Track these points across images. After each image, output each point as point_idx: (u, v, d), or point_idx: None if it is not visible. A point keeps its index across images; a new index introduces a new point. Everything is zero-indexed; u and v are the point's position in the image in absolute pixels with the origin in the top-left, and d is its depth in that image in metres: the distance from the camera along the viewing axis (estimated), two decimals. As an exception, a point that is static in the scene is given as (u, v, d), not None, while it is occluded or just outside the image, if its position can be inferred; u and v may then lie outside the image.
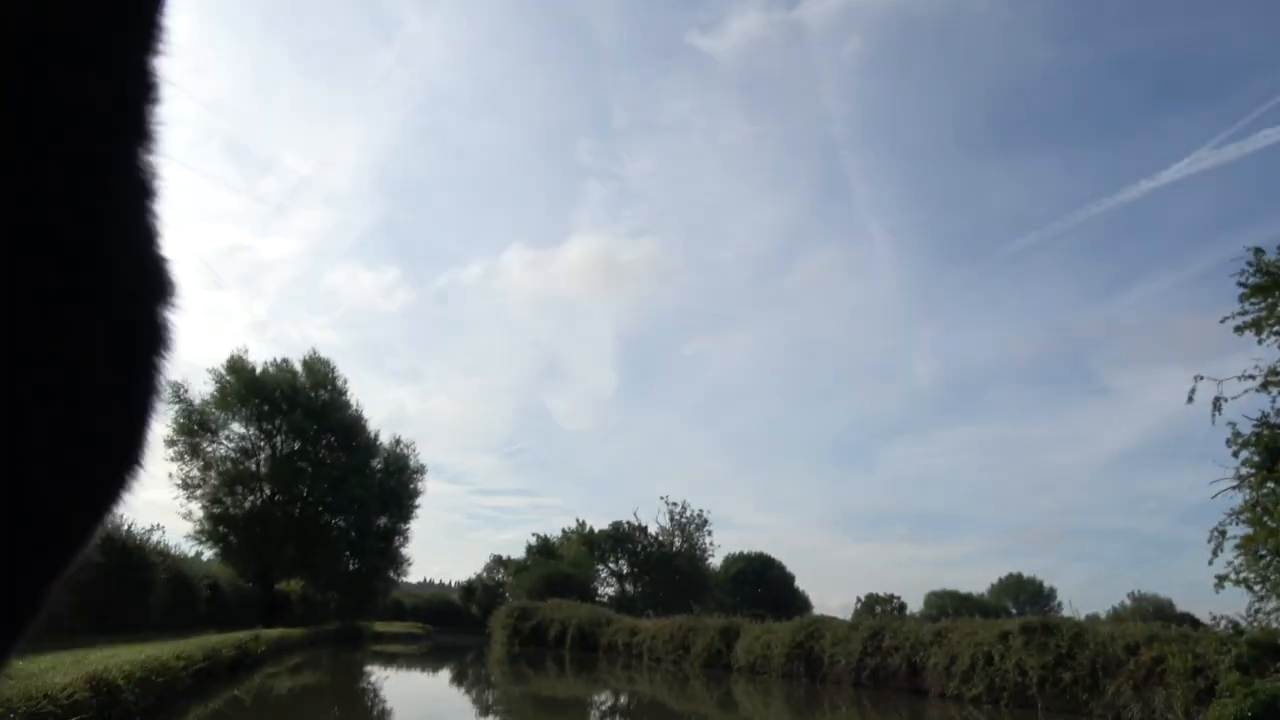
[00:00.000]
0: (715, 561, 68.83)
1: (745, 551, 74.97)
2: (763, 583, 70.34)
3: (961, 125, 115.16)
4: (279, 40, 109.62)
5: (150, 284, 0.65)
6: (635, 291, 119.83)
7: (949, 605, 63.03)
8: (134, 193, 0.63)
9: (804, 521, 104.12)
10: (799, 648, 24.30)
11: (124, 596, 17.67)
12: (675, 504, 67.27)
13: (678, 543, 66.11)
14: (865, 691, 19.96)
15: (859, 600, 71.20)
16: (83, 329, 0.56)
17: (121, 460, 0.61)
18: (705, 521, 67.01)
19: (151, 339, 0.64)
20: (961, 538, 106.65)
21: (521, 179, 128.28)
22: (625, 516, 68.88)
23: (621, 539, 67.39)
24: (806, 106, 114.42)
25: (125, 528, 18.88)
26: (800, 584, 75.74)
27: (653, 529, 67.36)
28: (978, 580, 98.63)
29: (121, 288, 0.61)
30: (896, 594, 77.13)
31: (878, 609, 59.52)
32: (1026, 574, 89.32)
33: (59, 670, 7.58)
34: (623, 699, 17.97)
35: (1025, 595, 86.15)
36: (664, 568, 63.75)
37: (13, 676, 6.70)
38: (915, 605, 79.47)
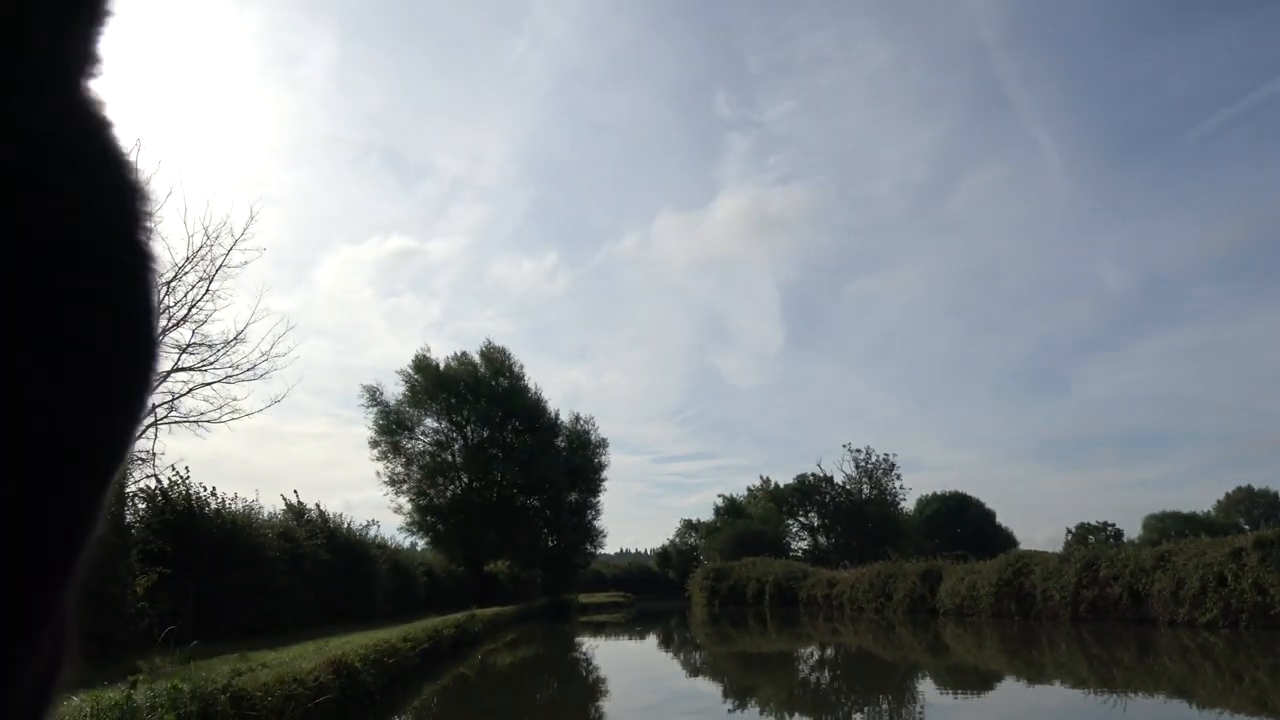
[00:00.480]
0: (908, 505, 67.14)
1: (939, 492, 72.71)
2: (960, 522, 67.94)
3: (1123, 5, 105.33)
4: (416, 48, 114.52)
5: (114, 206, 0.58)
6: (790, 240, 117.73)
7: (1170, 527, 58.86)
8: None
9: (998, 455, 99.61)
10: (1007, 585, 23.37)
11: (353, 589, 19.20)
12: (859, 451, 66.00)
13: (866, 490, 64.86)
14: (1084, 625, 18.95)
15: (1069, 531, 67.42)
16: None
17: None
18: (893, 465, 65.38)
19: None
20: (1176, 454, 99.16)
21: (662, 143, 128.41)
22: (809, 469, 68.30)
23: (808, 491, 66.86)
24: (949, 14, 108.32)
25: (346, 525, 20.44)
26: (1001, 520, 72.68)
27: (839, 478, 66.47)
28: (1200, 499, 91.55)
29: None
30: (1110, 521, 72.86)
31: (1090, 538, 56.16)
32: (1257, 485, 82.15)
33: (305, 657, 8.33)
34: (829, 651, 17.89)
35: (1259, 509, 79.07)
36: (855, 516, 62.77)
37: (268, 665, 7.42)
38: (1132, 531, 74.79)
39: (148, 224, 0.59)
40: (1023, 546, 35.98)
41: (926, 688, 11.26)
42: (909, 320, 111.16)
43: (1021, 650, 15.69)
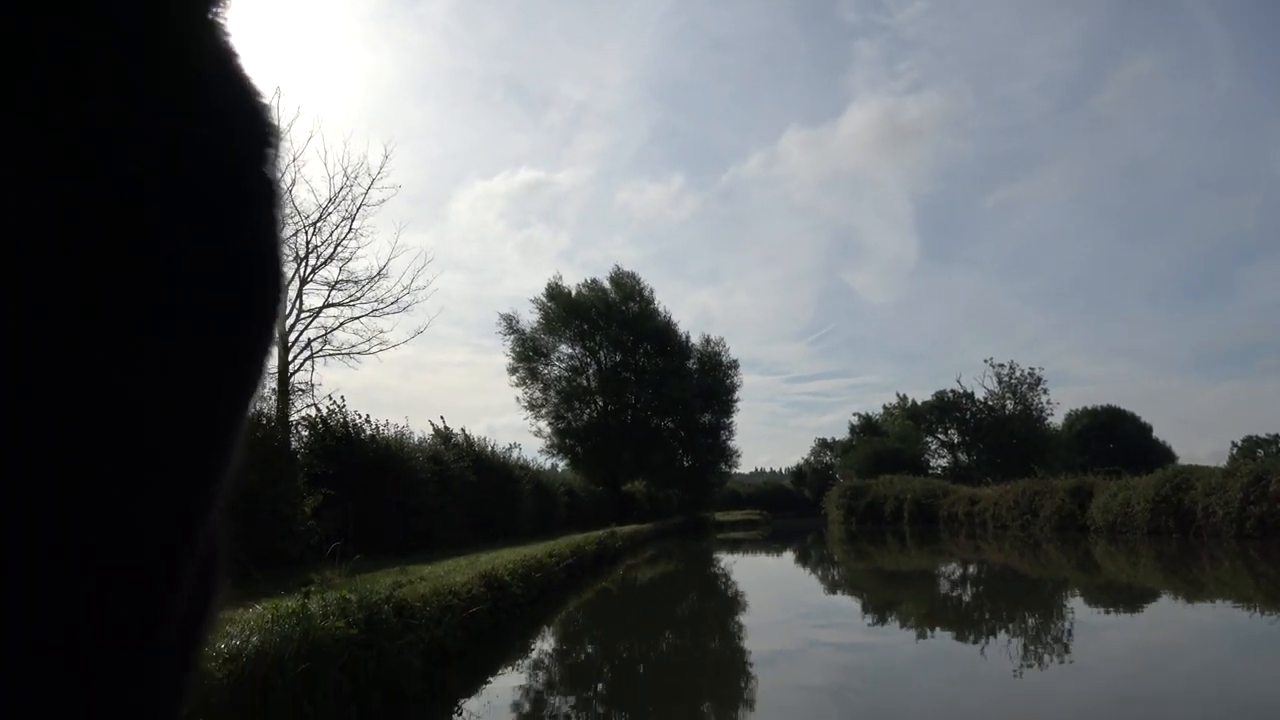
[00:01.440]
0: (1055, 421, 64.32)
1: (1089, 406, 69.17)
2: (1113, 437, 64.61)
3: None
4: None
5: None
6: (924, 149, 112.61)
7: (1355, 440, 54.34)
8: None
9: (1154, 366, 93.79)
10: (1164, 502, 22.22)
11: (498, 508, 20.12)
12: (1001, 365, 63.51)
13: (1010, 405, 62.55)
14: (1251, 543, 17.87)
15: (1234, 445, 63.13)
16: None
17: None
18: (1039, 380, 62.66)
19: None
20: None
21: (785, 57, 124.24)
22: (948, 385, 66.41)
23: (947, 408, 65.09)
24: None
25: (490, 448, 21.33)
26: (1158, 434, 68.65)
27: (980, 394, 64.33)
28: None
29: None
30: (1281, 434, 67.75)
31: (1259, 452, 52.54)
32: None
33: (457, 571, 8.83)
34: (971, 568, 17.59)
35: None
36: (998, 433, 60.76)
37: (424, 578, 7.92)
38: (1308, 445, 69.26)
39: (273, 152, 0.62)
40: (1181, 462, 33.99)
41: (1076, 604, 10.95)
42: (1055, 226, 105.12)
43: (1180, 568, 14.99)
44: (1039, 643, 7.97)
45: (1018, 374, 62.98)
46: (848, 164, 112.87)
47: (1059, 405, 73.61)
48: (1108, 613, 10.25)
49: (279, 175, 0.62)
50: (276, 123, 0.62)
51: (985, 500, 33.66)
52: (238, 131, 0.58)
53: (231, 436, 0.60)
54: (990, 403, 63.45)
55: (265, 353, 0.63)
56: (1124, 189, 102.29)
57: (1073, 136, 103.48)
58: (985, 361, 72.55)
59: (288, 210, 0.62)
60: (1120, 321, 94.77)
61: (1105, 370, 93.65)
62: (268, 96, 0.65)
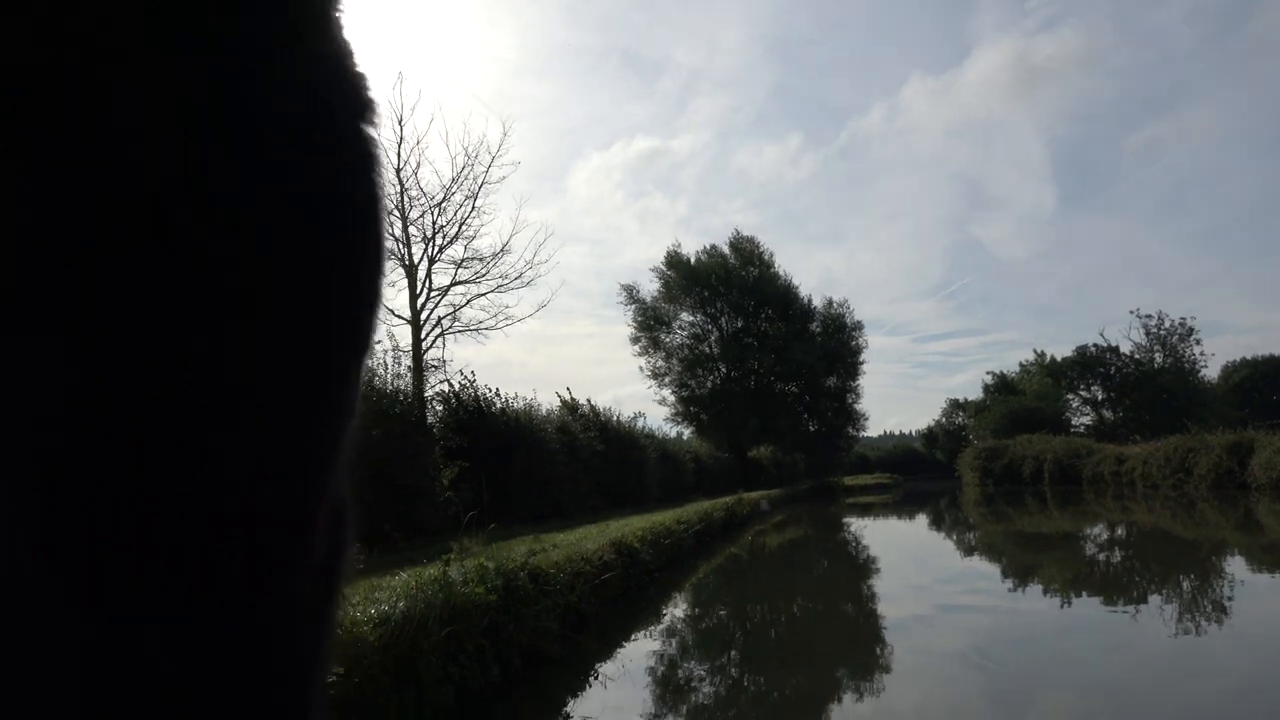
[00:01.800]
0: (1209, 373, 60.30)
1: (1249, 356, 64.43)
2: (1276, 389, 60.04)
3: None
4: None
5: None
6: (1059, 91, 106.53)
7: None
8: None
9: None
10: (1339, 457, 20.57)
11: (626, 476, 20.45)
12: (1149, 316, 59.87)
13: (1159, 359, 58.96)
14: None
15: None
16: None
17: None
18: (1191, 330, 58.79)
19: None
20: None
21: (906, 3, 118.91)
22: (1089, 340, 63.15)
23: (1089, 364, 61.90)
24: None
25: (616, 418, 21.65)
26: (1331, 385, 63.30)
27: (1125, 348, 60.93)
28: None
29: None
30: None
31: None
32: None
33: (588, 539, 9.04)
34: (1120, 530, 16.76)
35: None
36: (1146, 387, 57.40)
37: (558, 545, 8.15)
38: None
39: (371, 125, 0.65)
40: (1360, 412, 31.30)
41: (1236, 566, 10.29)
42: (1207, 164, 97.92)
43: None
44: (1197, 608, 7.54)
45: (1167, 325, 59.30)
46: (975, 111, 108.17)
47: (1213, 357, 69.13)
48: (1275, 575, 9.60)
49: (379, 146, 0.67)
50: (376, 101, 0.67)
51: (1133, 459, 31.97)
52: (339, 107, 0.63)
53: (348, 388, 0.63)
54: (1137, 356, 60.00)
55: (372, 308, 0.66)
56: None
57: (1226, 67, 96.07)
58: (1131, 313, 68.61)
59: (398, 184, 0.67)
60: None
61: (1268, 317, 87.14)
62: (390, 82, 0.69)
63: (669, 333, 43.53)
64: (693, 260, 43.45)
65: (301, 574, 0.61)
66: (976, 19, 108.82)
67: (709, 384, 43.19)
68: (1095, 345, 62.20)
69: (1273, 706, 4.41)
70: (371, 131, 0.65)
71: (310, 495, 0.61)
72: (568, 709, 4.94)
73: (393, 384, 11.15)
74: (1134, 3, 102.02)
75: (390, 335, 14.77)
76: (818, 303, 47.44)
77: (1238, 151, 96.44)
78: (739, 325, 43.38)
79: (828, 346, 45.67)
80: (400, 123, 17.20)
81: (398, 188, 17.13)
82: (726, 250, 44.19)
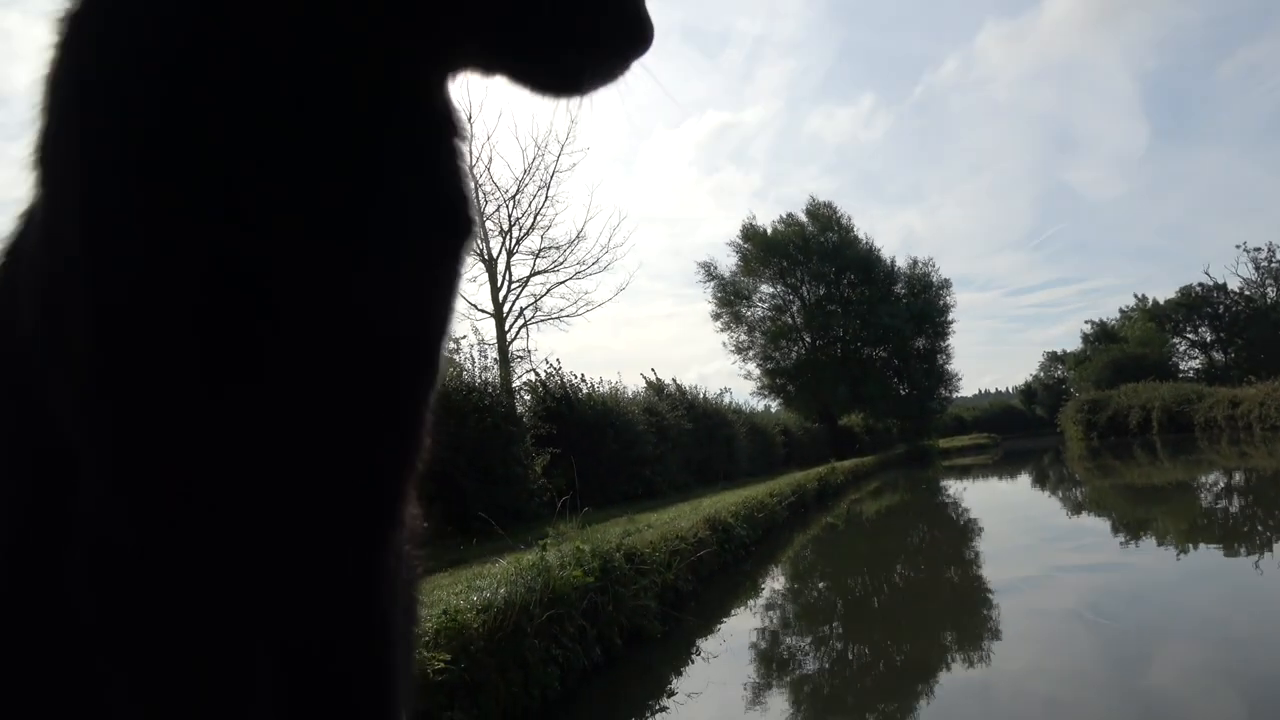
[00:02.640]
0: (1328, 305, 56.83)
1: (1371, 284, 60.39)
2: (1405, 316, 56.19)
3: None
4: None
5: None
6: (1143, 20, 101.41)
7: None
8: None
9: None
10: None
11: (715, 452, 20.44)
12: (1259, 249, 56.65)
13: (1271, 294, 55.79)
14: None
15: None
16: None
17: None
18: (1306, 261, 55.44)
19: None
20: None
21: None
22: (1194, 279, 60.12)
23: (1195, 305, 59.00)
24: None
25: (702, 395, 21.63)
26: None
27: (1233, 285, 57.86)
28: None
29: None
30: None
31: None
32: None
33: (682, 517, 9.08)
34: (1238, 477, 15.99)
35: None
36: (1259, 325, 54.42)
37: (652, 525, 8.21)
38: None
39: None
40: None
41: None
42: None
43: None
44: (1326, 554, 7.15)
45: (1279, 257, 55.99)
46: (1055, 52, 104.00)
47: (1333, 286, 64.72)
48: None
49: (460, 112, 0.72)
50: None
51: (1249, 401, 30.41)
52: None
53: (436, 349, 0.65)
54: (1247, 293, 56.93)
55: (459, 269, 0.68)
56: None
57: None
58: (1238, 247, 65.22)
59: (477, 157, 0.71)
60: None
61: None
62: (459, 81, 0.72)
63: (750, 306, 43.22)
64: (769, 231, 42.94)
65: (399, 532, 0.63)
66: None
67: (794, 355, 42.73)
68: (1200, 285, 59.30)
69: None
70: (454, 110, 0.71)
71: (411, 450, 0.63)
72: (671, 685, 4.98)
73: (480, 376, 11.36)
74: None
75: (475, 329, 15.08)
76: (901, 263, 46.40)
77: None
78: (821, 293, 42.74)
79: (914, 307, 44.59)
80: (470, 120, 17.49)
81: (474, 183, 17.37)
82: (803, 218, 43.56)
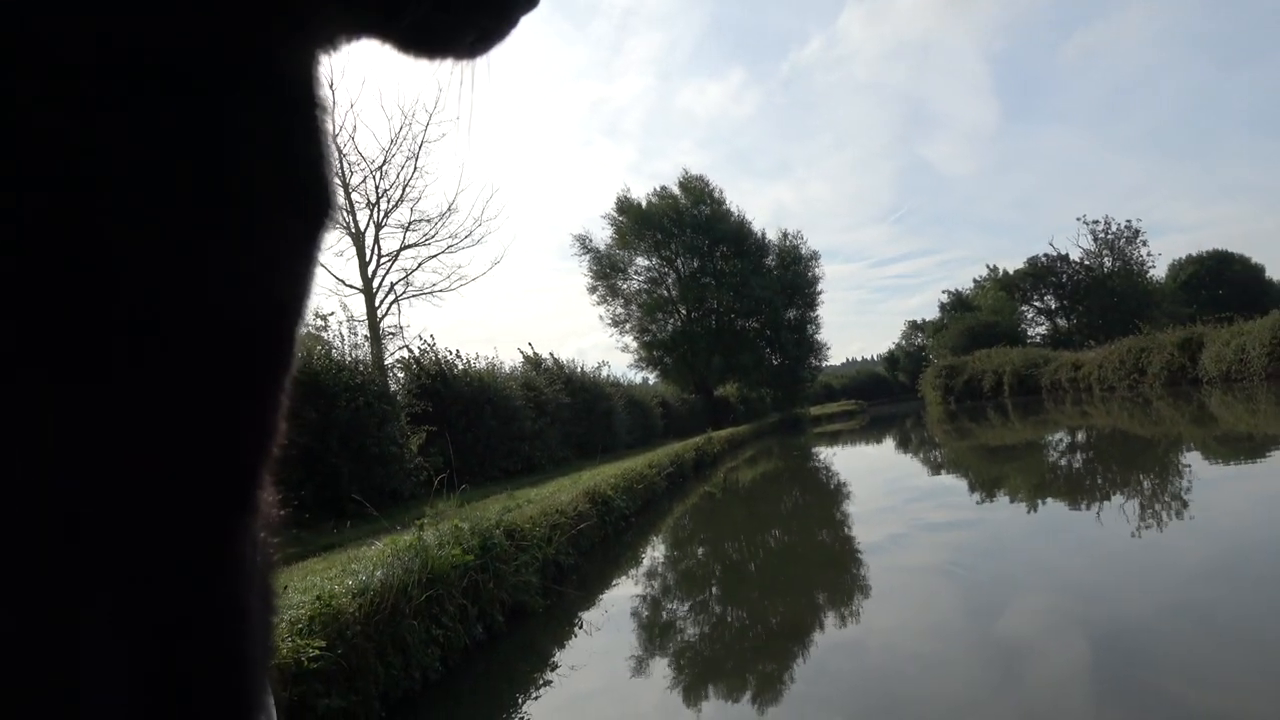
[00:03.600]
0: (1158, 273, 61.68)
1: (1194, 253, 65.85)
2: (1222, 283, 61.51)
3: None
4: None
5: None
6: (992, 3, 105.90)
7: None
8: None
9: (1265, 202, 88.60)
10: (1284, 344, 21.20)
11: (594, 426, 20.51)
12: (1096, 222, 60.85)
13: (1108, 263, 60.10)
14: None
15: (1358, 277, 59.52)
16: None
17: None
18: (1137, 232, 60.01)
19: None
20: None
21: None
22: (1039, 250, 64.07)
23: (1041, 274, 62.96)
24: None
25: (580, 369, 21.63)
26: (1271, 274, 65.00)
27: (1074, 255, 62.00)
28: None
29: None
30: None
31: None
32: None
33: (562, 491, 9.08)
34: (1080, 434, 17.20)
35: None
36: (1097, 293, 58.59)
37: (531, 500, 8.17)
38: None
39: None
40: (1301, 299, 32.24)
41: (1193, 460, 10.62)
42: (1142, 65, 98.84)
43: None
44: (1157, 502, 7.78)
45: (1114, 229, 60.41)
46: (912, 31, 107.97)
47: (1160, 257, 70.57)
48: (1229, 464, 9.92)
49: (324, 87, 0.63)
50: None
51: (1089, 364, 32.72)
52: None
53: (290, 335, 0.61)
54: (1087, 262, 61.12)
55: (314, 254, 0.63)
56: (1220, 17, 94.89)
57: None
58: (1078, 220, 69.58)
59: (337, 150, 0.63)
60: (1224, 159, 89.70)
61: (1210, 213, 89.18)
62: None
63: (626, 279, 43.41)
64: (643, 204, 43.16)
65: (253, 515, 0.60)
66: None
67: (670, 327, 43.25)
68: (1045, 255, 63.22)
69: (1230, 586, 4.58)
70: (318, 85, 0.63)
71: (266, 429, 0.59)
72: (554, 659, 4.99)
73: (351, 354, 11.01)
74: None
75: (343, 305, 14.58)
76: (772, 236, 47.49)
77: (1167, 51, 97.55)
78: (695, 265, 43.32)
79: (785, 279, 45.79)
80: (332, 87, 16.75)
81: (337, 154, 16.69)
82: (677, 191, 43.93)
